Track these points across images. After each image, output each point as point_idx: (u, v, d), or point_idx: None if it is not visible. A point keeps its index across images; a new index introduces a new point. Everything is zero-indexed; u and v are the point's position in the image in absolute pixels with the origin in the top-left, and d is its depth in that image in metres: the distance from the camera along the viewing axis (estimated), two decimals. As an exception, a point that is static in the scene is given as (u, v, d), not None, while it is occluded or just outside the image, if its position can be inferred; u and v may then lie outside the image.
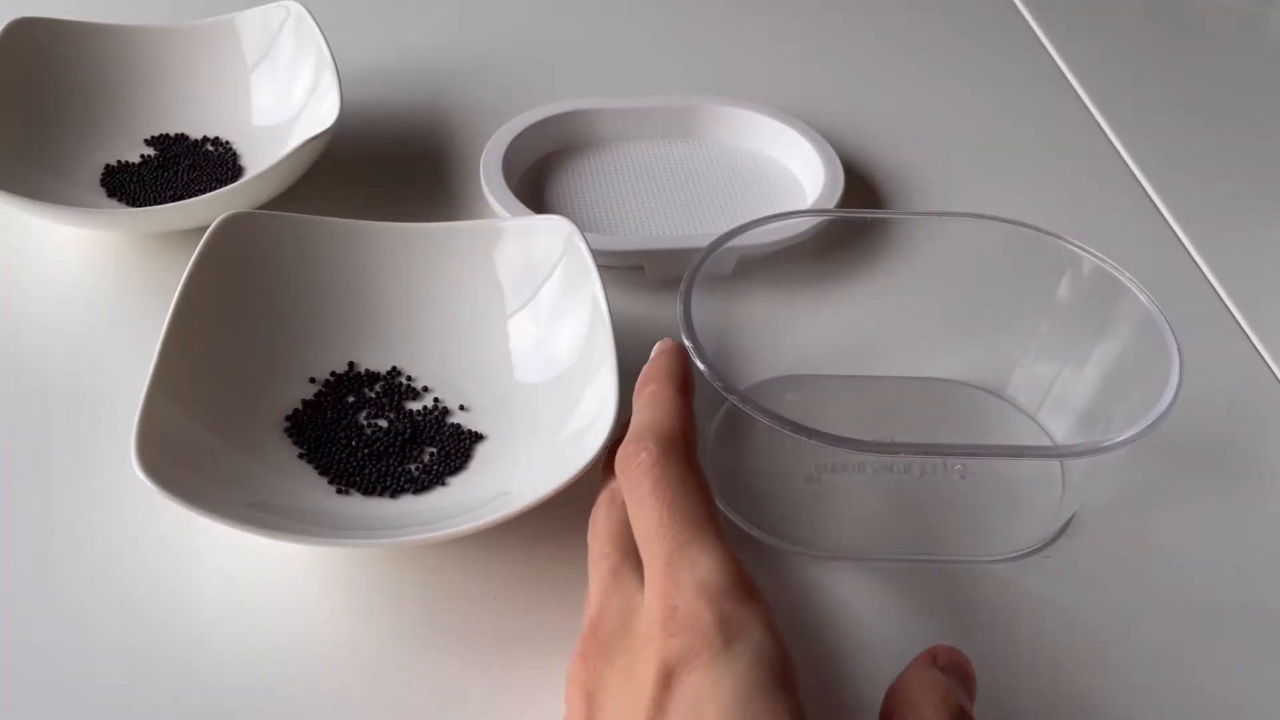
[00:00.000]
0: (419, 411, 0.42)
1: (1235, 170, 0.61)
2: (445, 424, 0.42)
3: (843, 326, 0.47)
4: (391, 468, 0.40)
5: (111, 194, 0.52)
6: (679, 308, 0.37)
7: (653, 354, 0.35)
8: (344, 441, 0.40)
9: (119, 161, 0.53)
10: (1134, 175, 0.59)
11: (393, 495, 0.39)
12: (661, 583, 0.26)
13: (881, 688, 0.30)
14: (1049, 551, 0.39)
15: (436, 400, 0.42)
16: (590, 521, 0.32)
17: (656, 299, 0.48)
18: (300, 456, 0.40)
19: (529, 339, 0.43)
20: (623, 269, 0.49)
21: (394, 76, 0.62)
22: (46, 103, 0.53)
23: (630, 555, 0.29)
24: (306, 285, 0.44)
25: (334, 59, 0.53)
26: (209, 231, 0.42)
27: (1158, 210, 0.57)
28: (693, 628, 0.25)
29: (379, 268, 0.44)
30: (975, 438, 0.42)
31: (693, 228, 0.52)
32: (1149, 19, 0.76)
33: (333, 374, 0.43)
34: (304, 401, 0.42)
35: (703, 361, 0.35)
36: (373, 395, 0.42)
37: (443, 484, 0.39)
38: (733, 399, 0.34)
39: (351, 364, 0.43)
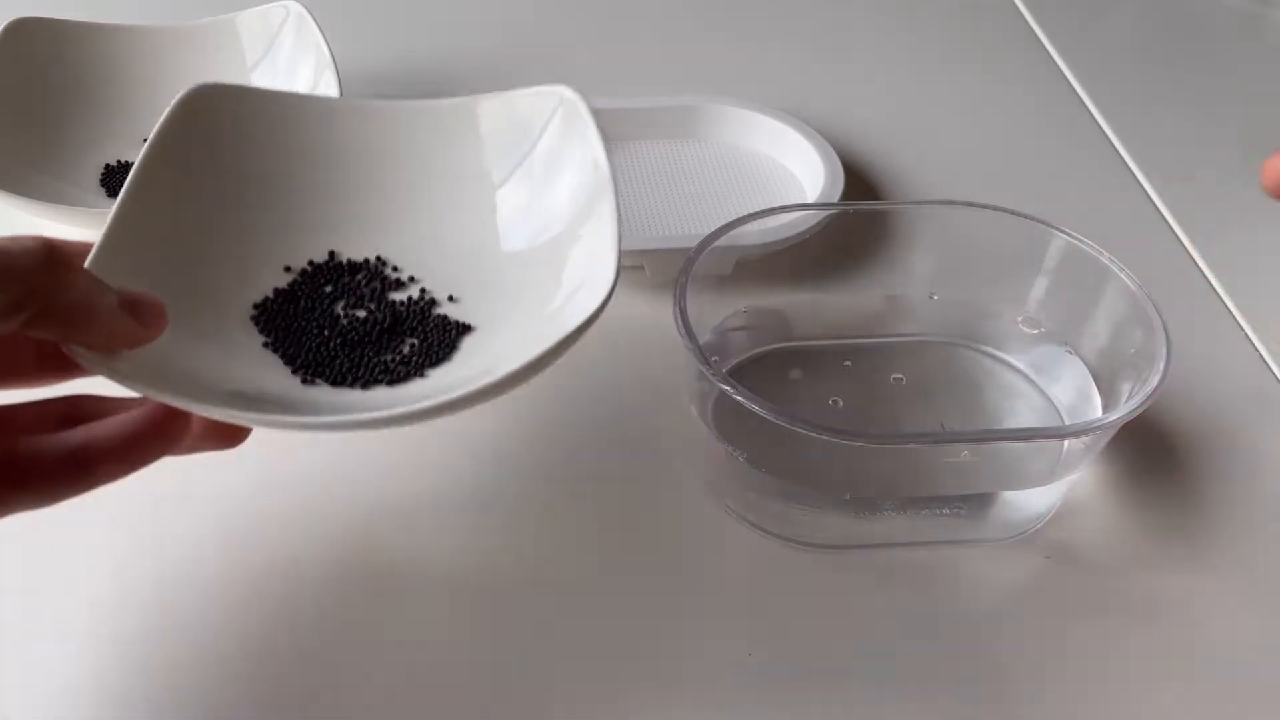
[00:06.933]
0: (402, 302, 0.39)
1: (1234, 168, 0.61)
2: (431, 315, 0.39)
3: (843, 316, 0.47)
4: (366, 358, 0.37)
5: (111, 194, 0.52)
6: (674, 305, 0.37)
7: None
8: (315, 331, 0.38)
9: (119, 161, 0.53)
10: (1133, 174, 0.59)
11: (364, 386, 0.36)
12: None
13: (889, 682, 0.30)
14: (1039, 532, 0.40)
15: (423, 291, 0.39)
16: None
17: (657, 299, 0.48)
18: (266, 345, 0.37)
19: (520, 207, 0.40)
20: (623, 269, 0.49)
21: (394, 76, 0.62)
22: (46, 103, 0.53)
23: None
24: (284, 167, 0.40)
25: (334, 59, 0.53)
26: (174, 103, 0.38)
27: (1156, 208, 0.57)
28: None
29: (363, 149, 0.41)
30: (979, 405, 0.43)
31: (693, 228, 0.52)
32: (1148, 18, 0.76)
33: (310, 263, 0.40)
34: (276, 290, 0.39)
35: (700, 359, 0.36)
36: (354, 285, 0.39)
37: (421, 375, 0.37)
38: (730, 392, 0.34)
39: (332, 253, 0.40)
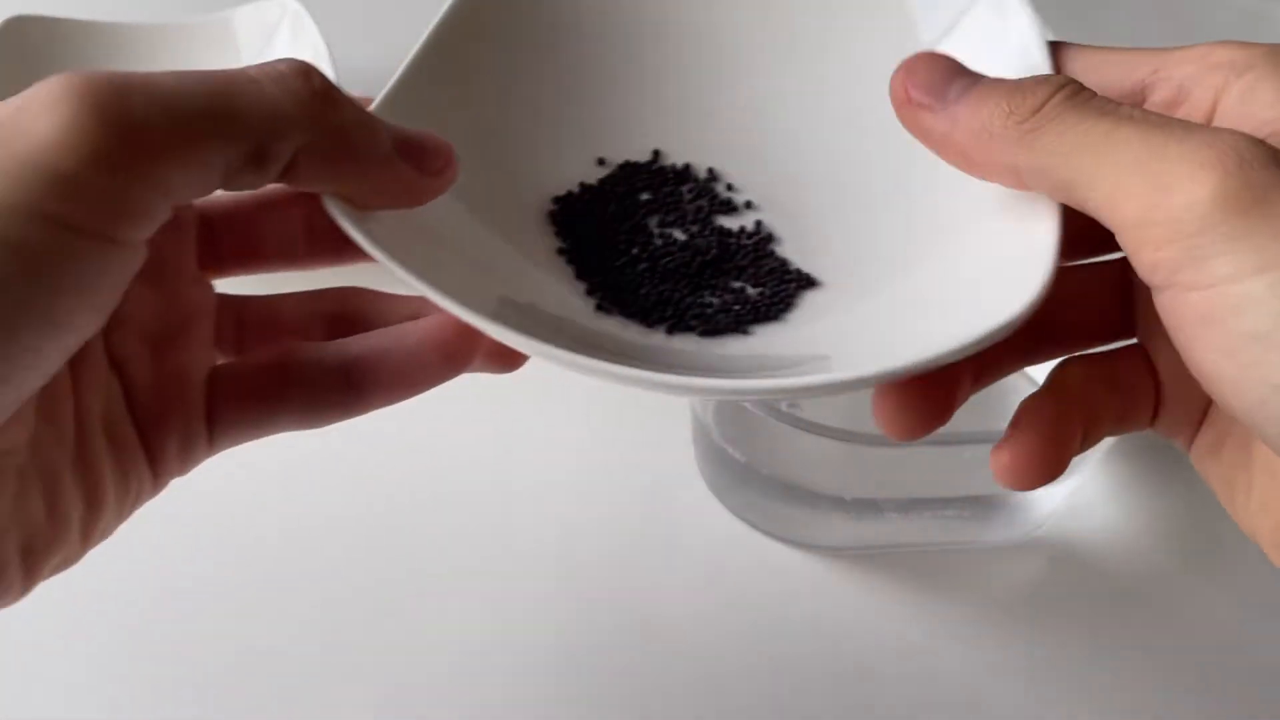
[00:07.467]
0: (733, 232, 0.31)
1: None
2: (766, 254, 0.30)
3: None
4: (679, 295, 0.29)
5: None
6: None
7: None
8: (622, 248, 0.30)
9: (114, 160, 0.53)
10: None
11: (670, 330, 0.28)
12: None
13: (891, 685, 0.30)
14: (1042, 534, 0.39)
15: (759, 224, 0.31)
16: None
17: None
18: (560, 252, 0.29)
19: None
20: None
21: (391, 73, 0.62)
22: (41, 100, 0.53)
23: None
24: (619, 35, 0.33)
25: (331, 56, 0.53)
26: None
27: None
28: None
29: (722, 25, 0.33)
30: (981, 405, 0.42)
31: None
32: (1149, 16, 0.76)
33: (628, 161, 0.32)
34: (583, 185, 0.31)
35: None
36: (675, 199, 0.31)
37: (744, 332, 0.28)
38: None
39: (657, 153, 0.32)
